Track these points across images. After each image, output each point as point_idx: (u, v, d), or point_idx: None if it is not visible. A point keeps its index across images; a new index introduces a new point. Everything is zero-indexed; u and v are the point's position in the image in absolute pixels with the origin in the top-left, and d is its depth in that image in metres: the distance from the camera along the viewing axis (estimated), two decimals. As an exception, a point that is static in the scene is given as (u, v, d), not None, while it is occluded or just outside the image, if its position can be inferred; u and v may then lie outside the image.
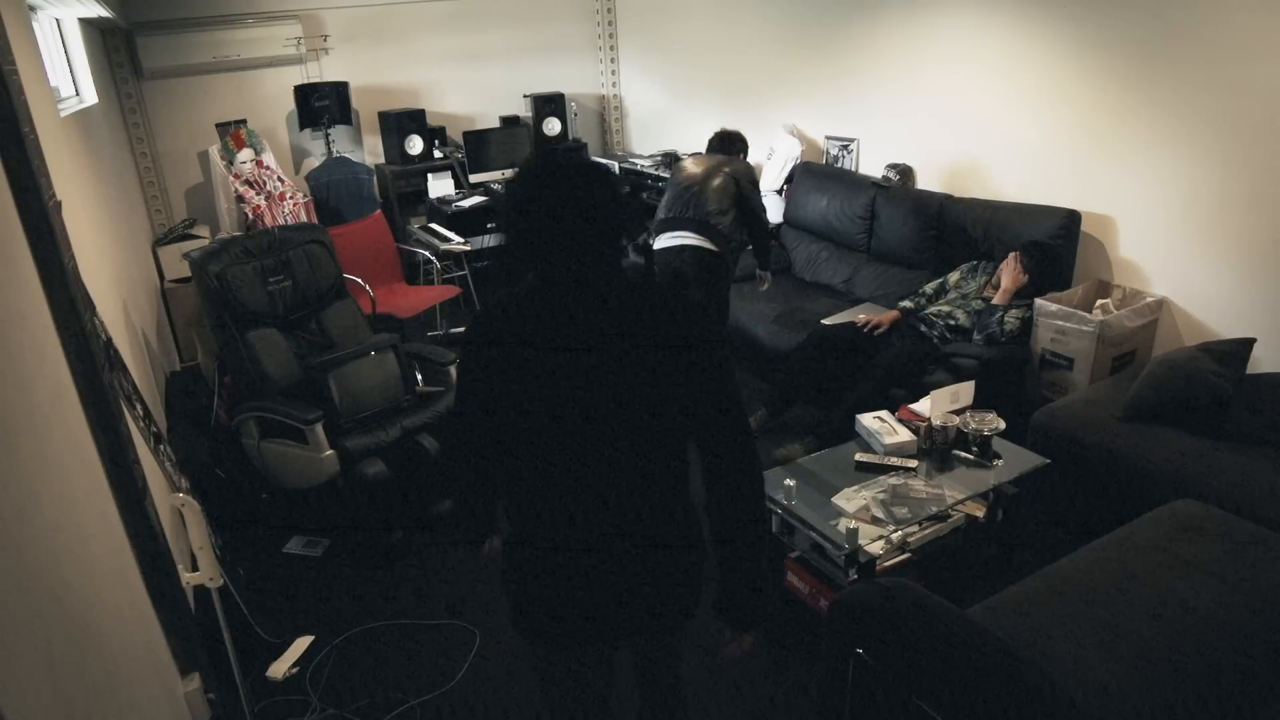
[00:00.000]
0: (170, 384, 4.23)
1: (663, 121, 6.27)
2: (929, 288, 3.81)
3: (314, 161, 5.57)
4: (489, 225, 5.81)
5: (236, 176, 4.93)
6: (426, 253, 5.15)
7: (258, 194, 4.91)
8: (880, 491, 2.58)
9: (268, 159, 5.12)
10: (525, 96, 6.20)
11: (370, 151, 5.91)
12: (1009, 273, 3.50)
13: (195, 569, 1.99)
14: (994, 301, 3.50)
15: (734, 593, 1.50)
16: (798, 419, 3.82)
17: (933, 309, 3.70)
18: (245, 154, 5.01)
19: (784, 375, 3.76)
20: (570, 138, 6.28)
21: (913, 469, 2.70)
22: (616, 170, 5.86)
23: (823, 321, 4.00)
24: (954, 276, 3.78)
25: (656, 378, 1.39)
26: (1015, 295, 3.49)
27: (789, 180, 4.91)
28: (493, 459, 1.56)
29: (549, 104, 6.11)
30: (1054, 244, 3.50)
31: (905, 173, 4.37)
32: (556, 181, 1.36)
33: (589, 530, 1.46)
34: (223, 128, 5.15)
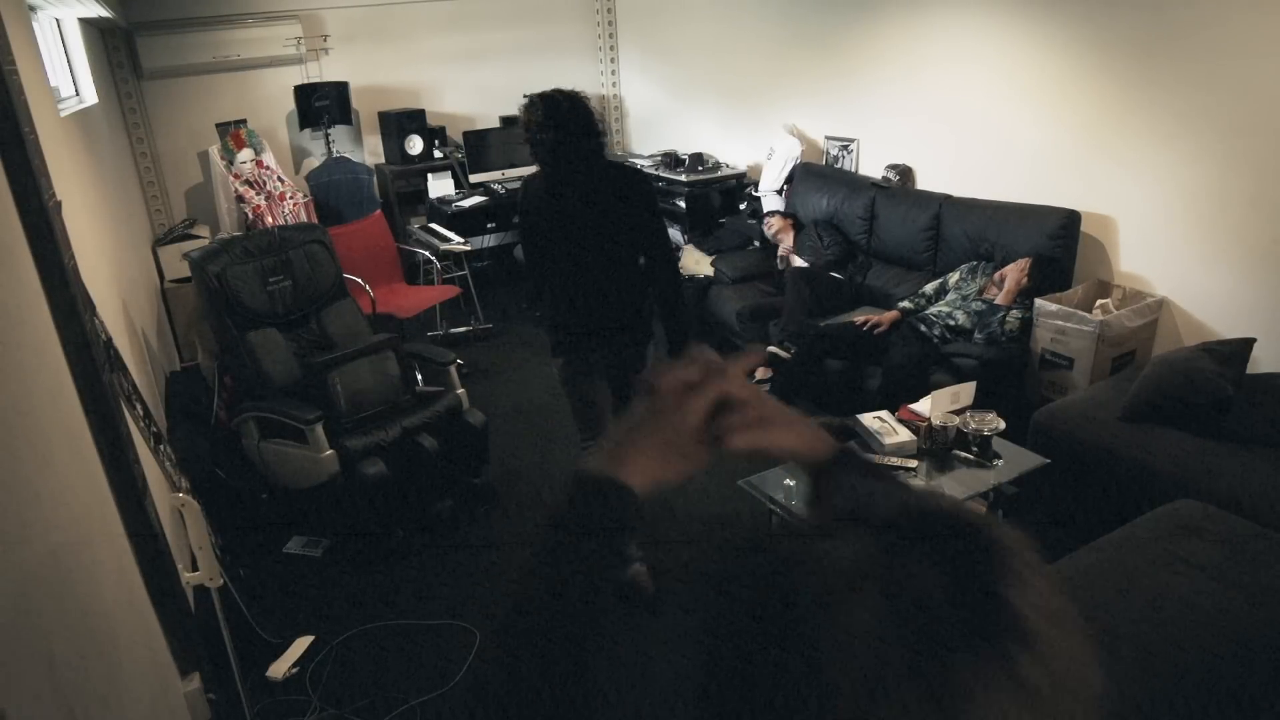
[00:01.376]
0: (170, 384, 4.23)
1: (663, 121, 6.27)
2: (929, 288, 3.82)
3: (314, 161, 5.57)
4: (489, 225, 5.81)
5: (236, 176, 4.93)
6: (426, 253, 5.15)
7: (258, 194, 4.91)
8: (880, 491, 2.57)
9: (268, 159, 5.11)
10: (525, 96, 6.17)
11: (370, 151, 5.91)
12: (1014, 275, 3.50)
13: (195, 569, 1.99)
14: (998, 301, 3.50)
15: (671, 334, 2.66)
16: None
17: (932, 309, 3.70)
18: (245, 154, 5.01)
19: (783, 376, 3.76)
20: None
21: (913, 469, 2.70)
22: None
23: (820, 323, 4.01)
24: (954, 277, 3.78)
25: (626, 215, 2.52)
26: (1016, 297, 3.50)
27: (789, 180, 4.90)
28: (545, 275, 2.63)
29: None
30: (1059, 258, 3.51)
31: (905, 173, 4.37)
32: (560, 104, 2.47)
33: (596, 301, 2.59)
34: (223, 128, 5.14)
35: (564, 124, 2.42)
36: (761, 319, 4.26)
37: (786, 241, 4.59)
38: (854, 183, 4.51)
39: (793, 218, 4.67)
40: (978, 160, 4.01)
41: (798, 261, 4.46)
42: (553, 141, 2.41)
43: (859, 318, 3.78)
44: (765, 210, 5.05)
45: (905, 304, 3.79)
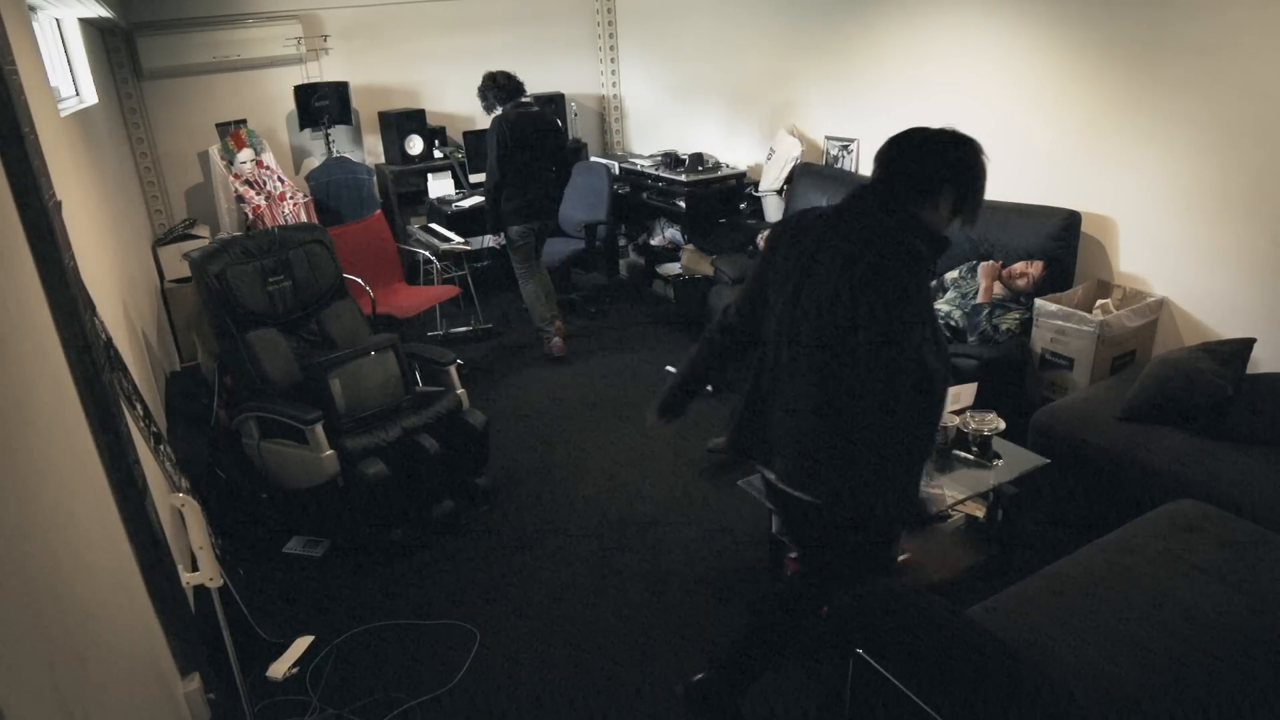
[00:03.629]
0: (170, 384, 4.23)
1: (663, 121, 6.27)
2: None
3: (314, 161, 5.57)
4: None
5: (236, 176, 4.93)
6: (426, 253, 5.15)
7: (258, 194, 4.91)
8: (880, 491, 2.58)
9: (268, 159, 5.12)
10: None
11: (370, 151, 5.91)
12: (988, 271, 3.52)
13: (195, 569, 1.99)
14: (978, 300, 3.51)
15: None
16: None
17: (931, 308, 3.71)
18: (245, 154, 5.01)
19: None
20: (571, 138, 6.28)
21: (913, 469, 2.69)
22: (615, 170, 5.86)
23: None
24: (952, 275, 3.79)
25: (552, 139, 4.40)
26: (1013, 299, 3.51)
27: (789, 180, 4.90)
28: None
29: (549, 104, 6.10)
30: (1059, 258, 3.52)
31: (905, 173, 4.37)
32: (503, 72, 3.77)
33: (539, 189, 3.62)
34: (223, 128, 5.15)
35: (510, 81, 4.39)
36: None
37: None
38: (854, 183, 4.47)
39: None
40: (978, 160, 4.01)
41: None
42: (509, 89, 4.36)
43: None
44: (765, 213, 5.06)
45: None
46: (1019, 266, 3.55)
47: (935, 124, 1.98)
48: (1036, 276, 3.48)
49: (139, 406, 2.35)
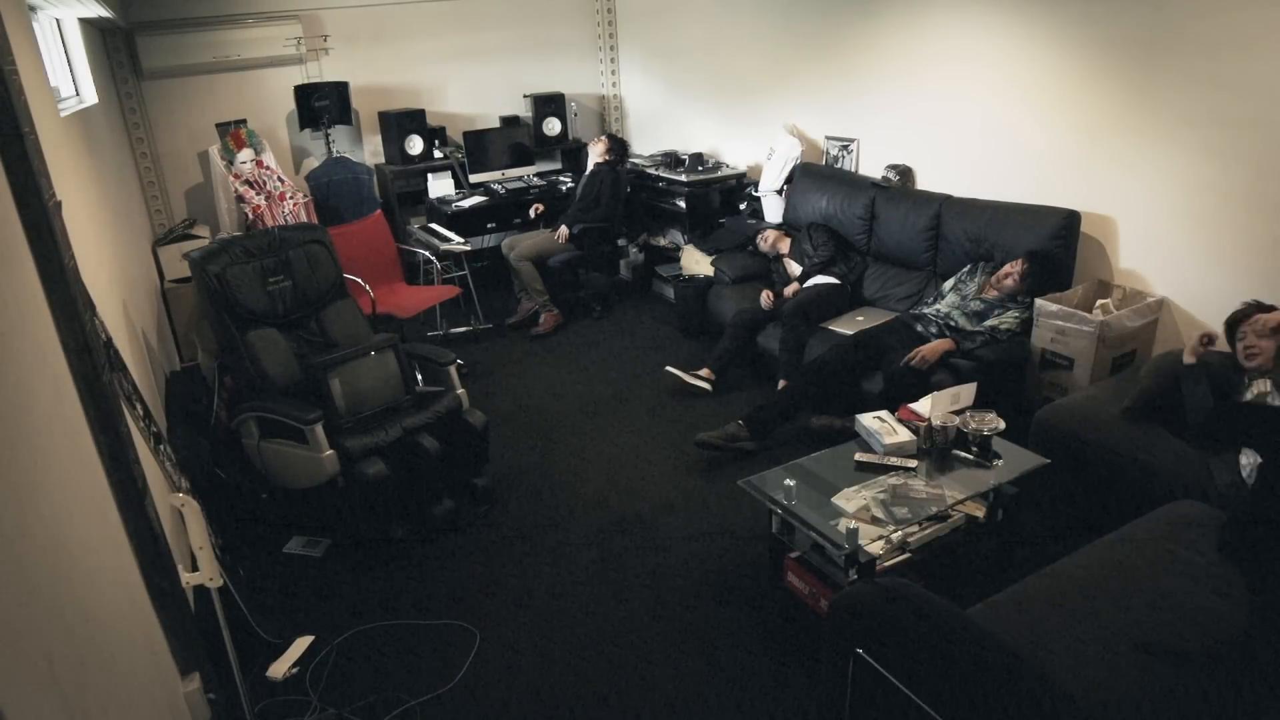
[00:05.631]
0: (170, 384, 4.23)
1: (663, 121, 6.27)
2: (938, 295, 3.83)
3: (314, 161, 5.57)
4: (489, 225, 5.81)
5: (236, 176, 4.93)
6: (426, 253, 5.15)
7: (258, 194, 4.91)
8: (880, 491, 2.58)
9: (268, 159, 5.11)
10: (525, 96, 6.20)
11: (370, 151, 5.91)
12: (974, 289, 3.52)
13: (195, 569, 1.99)
14: (975, 329, 3.50)
15: None
16: (787, 434, 3.81)
17: (930, 309, 3.71)
18: (245, 154, 5.01)
19: (786, 394, 3.73)
20: (571, 138, 6.28)
21: (913, 469, 2.70)
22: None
23: (823, 326, 4.01)
24: (949, 282, 3.80)
25: None
26: (1012, 299, 3.52)
27: (789, 180, 4.91)
28: None
29: (549, 104, 6.11)
30: (1055, 253, 3.50)
31: (905, 173, 4.37)
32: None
33: None
34: (223, 128, 5.14)
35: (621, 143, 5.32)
36: (759, 323, 4.26)
37: (784, 248, 4.61)
38: (854, 183, 4.50)
39: (784, 227, 4.71)
40: (978, 160, 4.01)
41: (794, 269, 4.46)
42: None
43: (918, 358, 3.45)
44: (765, 213, 5.06)
45: (920, 309, 3.78)
46: (1005, 269, 3.55)
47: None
48: (1020, 273, 3.48)
49: (139, 407, 2.35)
